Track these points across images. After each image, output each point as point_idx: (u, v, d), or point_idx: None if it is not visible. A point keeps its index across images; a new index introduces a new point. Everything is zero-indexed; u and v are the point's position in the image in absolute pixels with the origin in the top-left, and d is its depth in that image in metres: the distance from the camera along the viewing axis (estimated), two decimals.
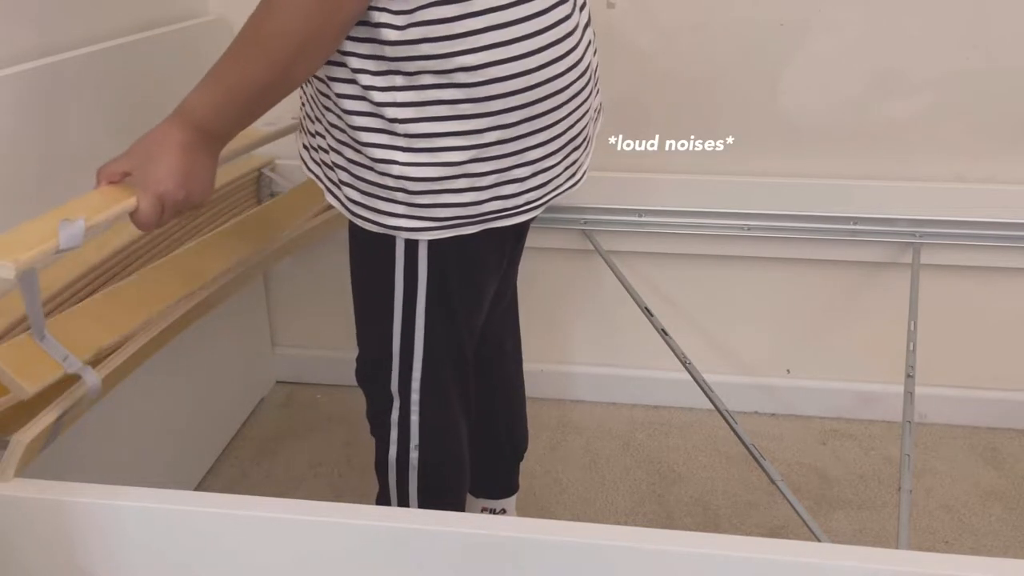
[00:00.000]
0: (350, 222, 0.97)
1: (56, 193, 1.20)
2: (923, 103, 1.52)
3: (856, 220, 1.57)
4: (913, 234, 1.57)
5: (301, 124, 1.05)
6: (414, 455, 1.06)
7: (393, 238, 0.94)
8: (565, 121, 0.93)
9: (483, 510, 1.34)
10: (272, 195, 1.70)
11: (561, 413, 1.80)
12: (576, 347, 1.79)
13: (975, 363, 1.69)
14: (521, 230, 1.09)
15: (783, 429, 1.74)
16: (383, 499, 1.13)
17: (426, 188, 0.89)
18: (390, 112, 0.86)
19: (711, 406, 1.41)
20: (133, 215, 0.87)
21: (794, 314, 1.71)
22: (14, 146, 1.12)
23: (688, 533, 0.72)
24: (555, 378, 1.80)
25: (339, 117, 0.90)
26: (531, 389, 1.85)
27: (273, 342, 1.85)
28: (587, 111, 0.97)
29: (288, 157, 1.71)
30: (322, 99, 0.92)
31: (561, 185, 0.98)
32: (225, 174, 1.56)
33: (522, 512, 1.47)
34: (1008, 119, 1.52)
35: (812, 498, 1.55)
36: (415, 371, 1.02)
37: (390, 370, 1.02)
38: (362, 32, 0.84)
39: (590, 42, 0.96)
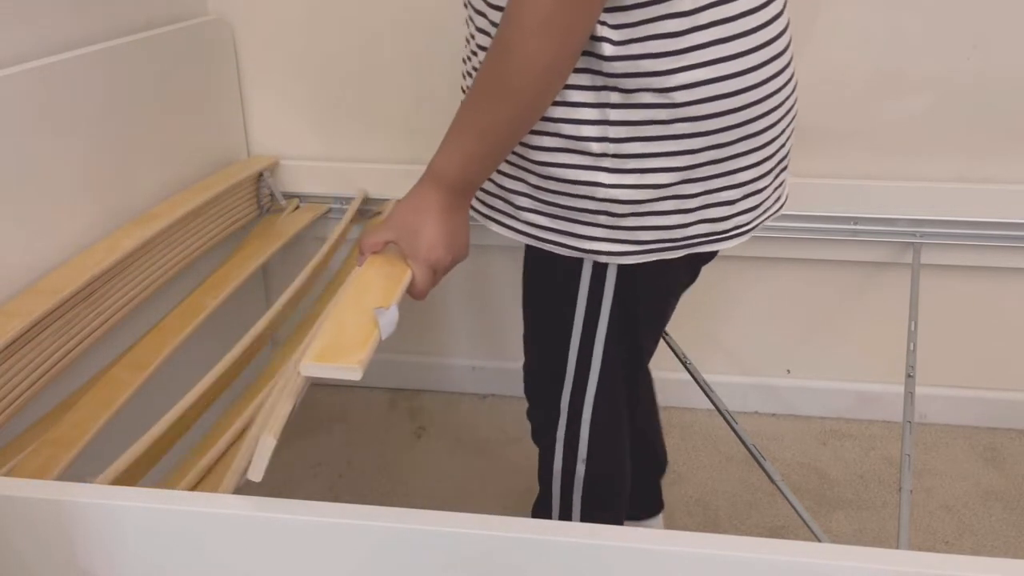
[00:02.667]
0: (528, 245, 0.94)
1: (57, 193, 1.20)
2: (923, 103, 1.52)
3: (856, 220, 1.57)
4: (913, 234, 1.57)
5: None
6: (580, 468, 1.03)
7: (580, 260, 0.91)
8: (779, 139, 0.88)
9: None
10: (272, 196, 1.70)
11: None
12: None
13: (975, 363, 1.69)
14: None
15: (783, 429, 1.74)
16: (543, 505, 1.10)
17: (631, 211, 0.85)
18: (599, 131, 0.82)
19: (711, 406, 1.41)
20: (410, 287, 0.87)
21: (794, 314, 1.71)
22: (14, 146, 1.12)
23: (688, 533, 0.72)
24: None
25: (522, 143, 0.86)
26: None
27: (273, 342, 1.85)
28: (794, 125, 0.92)
29: (289, 158, 1.71)
30: None
31: (769, 208, 0.93)
32: (225, 178, 1.56)
33: (522, 512, 1.47)
34: (1008, 119, 1.52)
35: (812, 498, 1.55)
36: (589, 390, 0.99)
37: (561, 386, 1.00)
38: None
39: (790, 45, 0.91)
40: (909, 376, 1.24)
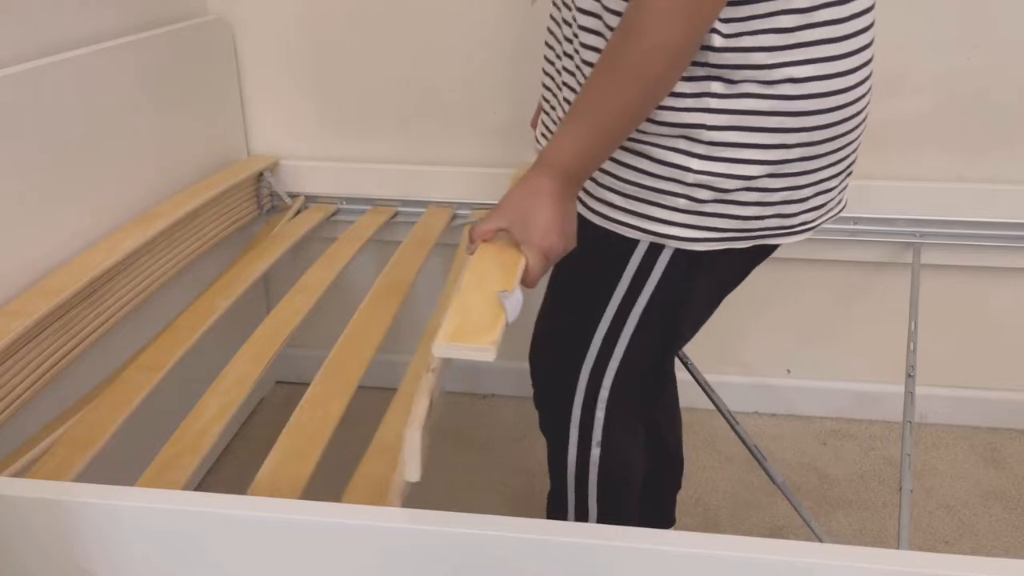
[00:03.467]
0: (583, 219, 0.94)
1: (57, 193, 1.20)
2: (923, 103, 1.52)
3: (856, 220, 1.57)
4: (913, 234, 1.57)
5: (542, 126, 1.03)
6: (595, 452, 1.03)
7: (636, 242, 0.91)
8: (856, 142, 0.90)
9: None
10: (271, 195, 1.70)
11: None
12: None
13: (975, 363, 1.69)
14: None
15: (783, 429, 1.74)
16: (557, 500, 1.09)
17: (715, 198, 0.86)
18: (696, 117, 0.84)
19: (712, 406, 1.41)
20: (524, 274, 0.85)
21: (794, 314, 1.71)
22: (14, 146, 1.12)
23: (688, 533, 0.72)
24: None
25: None
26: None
27: None
28: (865, 128, 0.93)
29: (289, 157, 1.71)
30: None
31: (832, 209, 0.94)
32: (226, 178, 1.56)
33: (522, 512, 1.47)
34: (1008, 119, 1.52)
35: (812, 498, 1.55)
36: (611, 366, 0.99)
37: (580, 365, 0.99)
38: None
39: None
40: (909, 376, 1.24)
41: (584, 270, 0.98)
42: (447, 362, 0.82)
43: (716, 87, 0.83)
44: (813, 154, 0.86)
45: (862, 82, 0.86)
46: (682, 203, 0.87)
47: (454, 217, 1.66)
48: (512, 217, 0.85)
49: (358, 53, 1.64)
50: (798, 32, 0.80)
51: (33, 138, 1.16)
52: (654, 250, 0.91)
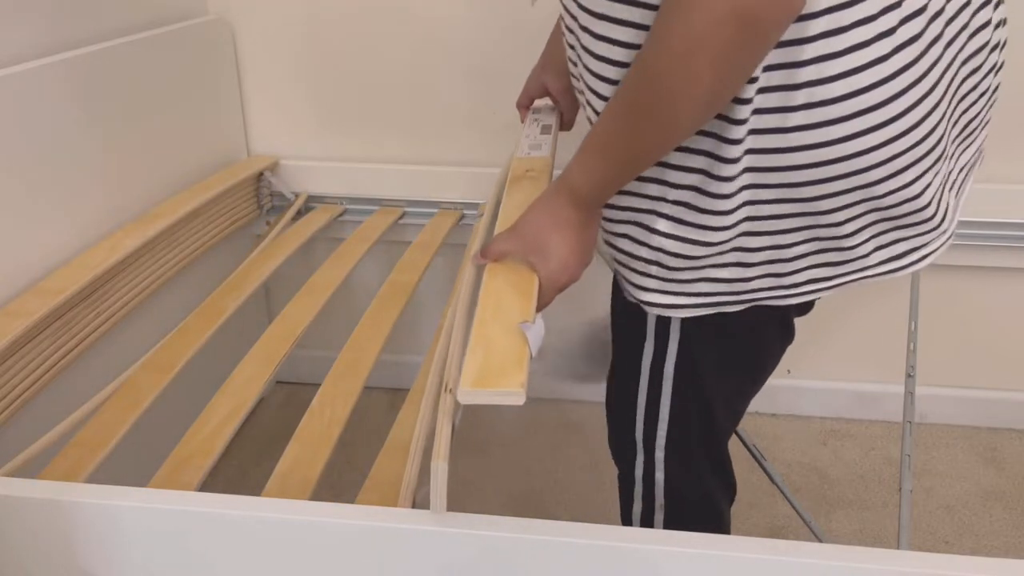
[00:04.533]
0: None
1: (57, 193, 1.20)
2: None
3: None
4: None
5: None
6: (659, 516, 0.97)
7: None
8: (867, 203, 0.74)
9: None
10: (271, 195, 1.70)
11: (562, 413, 1.80)
12: None
13: (975, 363, 1.69)
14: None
15: (783, 429, 1.74)
16: None
17: (687, 265, 0.81)
18: (656, 172, 0.79)
19: None
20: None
21: None
22: (14, 146, 1.12)
23: (688, 533, 0.72)
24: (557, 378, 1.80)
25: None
26: (532, 390, 1.85)
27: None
28: (929, 187, 0.77)
29: (288, 157, 1.71)
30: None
31: (869, 268, 0.81)
32: (226, 178, 1.56)
33: (522, 512, 1.47)
34: (1008, 119, 1.52)
35: (812, 498, 1.55)
36: (659, 438, 0.92)
37: (634, 426, 0.94)
38: None
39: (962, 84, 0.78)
40: (909, 376, 1.24)
41: (619, 330, 0.95)
42: None
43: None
44: (790, 212, 0.75)
45: (853, 157, 0.71)
46: (655, 270, 0.82)
47: (462, 217, 1.66)
48: (532, 245, 0.81)
49: (358, 53, 1.64)
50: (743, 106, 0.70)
51: (33, 138, 1.16)
52: (664, 319, 0.86)
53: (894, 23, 0.67)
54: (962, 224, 1.54)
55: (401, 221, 1.68)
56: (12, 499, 0.79)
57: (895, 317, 1.65)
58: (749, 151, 0.72)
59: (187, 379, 1.15)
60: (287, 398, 1.83)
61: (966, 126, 0.82)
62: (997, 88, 0.84)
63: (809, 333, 1.73)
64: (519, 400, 0.68)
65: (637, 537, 0.72)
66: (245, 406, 1.07)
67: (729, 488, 1.01)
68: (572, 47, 0.82)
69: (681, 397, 0.90)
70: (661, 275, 0.81)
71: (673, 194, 0.77)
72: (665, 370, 0.88)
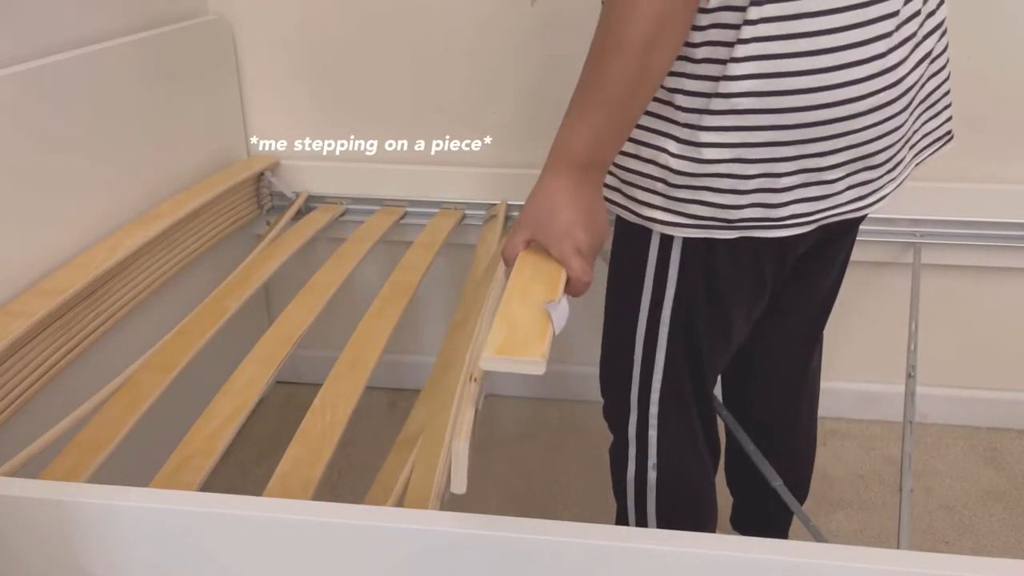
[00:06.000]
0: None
1: (57, 193, 1.20)
2: None
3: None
4: (914, 234, 1.57)
5: None
6: (652, 475, 1.00)
7: (649, 232, 0.90)
8: (856, 135, 0.82)
9: None
10: (271, 195, 1.70)
11: (562, 413, 1.80)
12: (577, 347, 1.79)
13: (975, 363, 1.69)
14: (786, 258, 0.95)
15: None
16: (620, 520, 1.08)
17: (688, 183, 0.85)
18: (665, 95, 0.84)
19: None
20: (568, 283, 0.82)
21: None
22: (15, 146, 1.12)
23: (688, 533, 0.72)
24: (557, 378, 1.80)
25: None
26: (532, 389, 1.85)
27: None
28: (897, 131, 0.85)
29: (289, 157, 1.71)
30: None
31: (841, 205, 0.87)
32: (226, 178, 1.56)
33: (522, 512, 1.47)
34: (1008, 119, 1.52)
35: (812, 498, 1.55)
36: (655, 381, 0.97)
37: (630, 379, 0.98)
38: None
39: (923, 59, 0.86)
40: (909, 376, 1.24)
41: (618, 277, 0.98)
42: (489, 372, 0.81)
43: (681, 65, 0.81)
44: (784, 139, 0.81)
45: (848, 83, 0.79)
46: (660, 187, 0.86)
47: (463, 217, 1.66)
48: (534, 225, 0.83)
49: (358, 53, 1.64)
50: (745, 28, 0.77)
51: (33, 138, 1.16)
52: (666, 242, 0.90)
53: None
54: (962, 224, 1.56)
55: (402, 221, 1.68)
56: (12, 499, 0.79)
57: (895, 317, 1.65)
58: (751, 75, 0.79)
59: (188, 379, 1.15)
60: (288, 398, 1.83)
61: (930, 94, 0.92)
62: (948, 65, 0.95)
63: None
64: (539, 369, 0.69)
65: (637, 537, 0.72)
66: (246, 406, 1.07)
67: (716, 453, 1.07)
68: None
69: (675, 342, 0.95)
70: (664, 192, 0.86)
71: (683, 117, 0.83)
72: (663, 308, 0.93)
